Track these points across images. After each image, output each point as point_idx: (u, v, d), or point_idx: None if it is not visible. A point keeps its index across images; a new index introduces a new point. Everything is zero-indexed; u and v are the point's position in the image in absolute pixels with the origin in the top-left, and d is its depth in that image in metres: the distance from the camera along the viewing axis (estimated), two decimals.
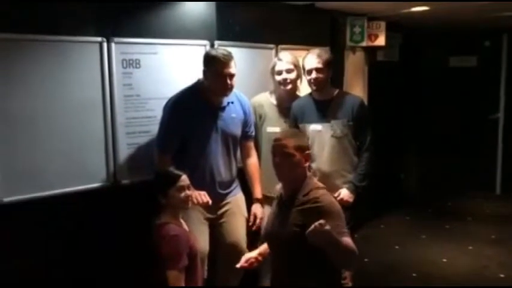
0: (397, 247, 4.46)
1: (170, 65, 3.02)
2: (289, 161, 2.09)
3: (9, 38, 2.40)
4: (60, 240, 2.66)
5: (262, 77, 3.40)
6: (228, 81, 2.73)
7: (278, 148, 2.12)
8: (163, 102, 2.99)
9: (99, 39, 2.73)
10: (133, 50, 2.87)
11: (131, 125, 2.91)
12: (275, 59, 3.20)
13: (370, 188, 3.02)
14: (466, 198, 6.11)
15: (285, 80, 3.10)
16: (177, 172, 2.44)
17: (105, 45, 2.75)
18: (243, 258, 2.33)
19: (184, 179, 2.42)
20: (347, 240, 1.93)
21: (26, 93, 2.48)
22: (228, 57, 2.74)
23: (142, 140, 2.96)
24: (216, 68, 2.71)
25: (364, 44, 4.43)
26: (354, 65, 4.64)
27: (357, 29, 4.36)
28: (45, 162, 2.58)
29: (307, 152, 2.16)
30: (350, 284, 3.32)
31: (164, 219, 2.40)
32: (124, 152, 2.90)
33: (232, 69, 2.74)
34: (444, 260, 4.12)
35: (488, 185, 6.35)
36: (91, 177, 2.78)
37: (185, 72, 3.07)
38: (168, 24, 3.00)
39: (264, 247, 2.34)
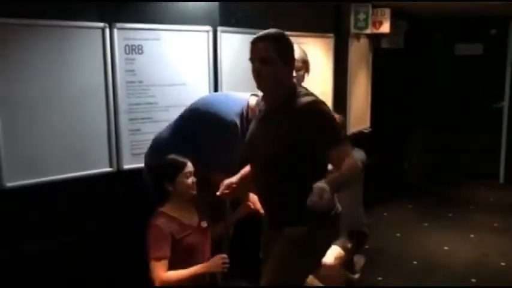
0: (398, 235, 4.47)
1: (173, 51, 3.01)
2: (270, 67, 1.93)
3: (10, 22, 2.40)
4: (62, 226, 2.68)
5: None
6: None
7: (258, 51, 1.95)
8: (166, 89, 3.01)
9: (101, 24, 2.73)
10: (136, 36, 2.86)
11: (134, 111, 2.91)
12: None
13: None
14: (470, 186, 6.11)
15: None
16: (182, 159, 2.44)
17: (107, 30, 2.75)
18: (223, 186, 2.31)
19: (190, 166, 2.43)
20: (346, 163, 1.84)
21: (27, 79, 2.49)
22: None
23: (145, 126, 2.96)
24: None
25: (368, 31, 4.39)
26: (358, 52, 4.61)
27: (361, 16, 4.32)
28: (47, 148, 2.59)
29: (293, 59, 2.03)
30: (357, 275, 3.38)
31: (168, 207, 2.40)
32: (126, 138, 2.91)
33: None
34: (445, 248, 4.13)
35: (491, 174, 6.34)
36: (93, 163, 2.79)
37: (188, 58, 3.07)
38: (170, 10, 2.99)
39: (244, 171, 2.33)
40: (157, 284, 2.26)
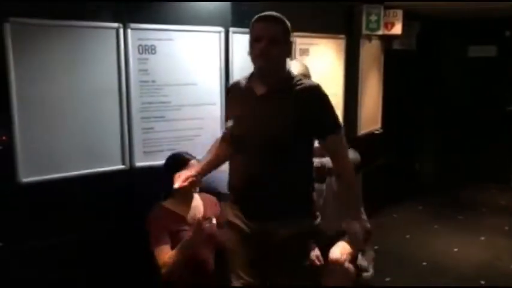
0: (408, 236, 4.48)
1: (185, 52, 3.05)
2: (278, 47, 1.93)
3: (27, 22, 2.46)
4: (75, 222, 2.74)
5: None
6: None
7: (267, 30, 1.93)
8: (178, 88, 3.06)
9: (115, 25, 2.78)
10: (149, 36, 2.91)
11: (146, 110, 2.96)
12: None
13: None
14: (481, 189, 6.08)
15: None
16: (187, 156, 2.50)
17: (121, 31, 2.80)
18: (180, 178, 2.20)
19: (194, 163, 2.46)
20: (362, 226, 2.11)
21: (43, 78, 2.54)
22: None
23: (157, 125, 3.01)
24: None
25: (380, 32, 4.40)
26: (370, 54, 4.63)
27: (373, 17, 4.34)
28: (62, 145, 2.65)
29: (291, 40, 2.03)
30: (371, 271, 3.40)
31: (169, 202, 2.47)
32: (139, 136, 2.96)
33: None
34: (455, 250, 4.13)
35: (503, 177, 6.30)
36: (107, 160, 2.85)
37: (200, 59, 3.12)
38: (183, 11, 3.03)
39: (205, 163, 2.28)
40: (163, 269, 2.29)
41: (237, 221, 2.07)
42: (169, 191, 2.46)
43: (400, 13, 4.47)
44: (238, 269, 2.05)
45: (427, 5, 4.72)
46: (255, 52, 1.95)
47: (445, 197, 5.80)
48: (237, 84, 2.13)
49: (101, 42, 2.75)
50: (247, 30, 3.27)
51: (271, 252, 2.01)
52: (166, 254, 2.32)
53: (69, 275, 2.73)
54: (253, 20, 1.99)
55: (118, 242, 2.87)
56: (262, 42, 1.92)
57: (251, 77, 2.07)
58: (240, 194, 2.07)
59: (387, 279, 3.54)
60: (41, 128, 2.57)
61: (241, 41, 3.27)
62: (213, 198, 2.68)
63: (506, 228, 4.68)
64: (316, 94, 1.96)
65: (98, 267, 2.82)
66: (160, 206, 2.47)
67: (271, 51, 1.92)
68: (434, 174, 6.40)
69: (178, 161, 2.50)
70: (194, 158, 2.52)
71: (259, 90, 2.00)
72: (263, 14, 1.97)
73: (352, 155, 3.28)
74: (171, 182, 2.41)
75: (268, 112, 1.97)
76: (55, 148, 2.63)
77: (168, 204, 2.48)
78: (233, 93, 2.12)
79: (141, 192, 2.94)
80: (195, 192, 2.54)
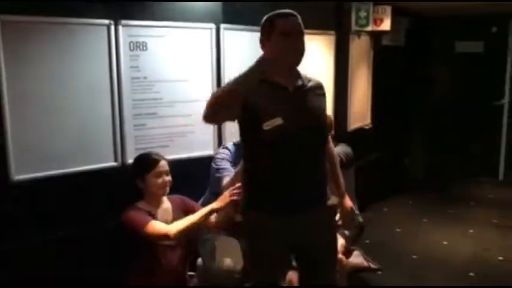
0: (398, 230, 4.52)
1: (177, 48, 3.06)
2: (304, 42, 1.96)
3: (18, 20, 2.45)
4: (67, 219, 2.73)
5: None
6: None
7: (297, 26, 1.95)
8: (170, 85, 3.07)
9: (106, 21, 2.78)
10: (141, 33, 2.92)
11: (138, 106, 2.96)
12: None
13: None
14: (470, 183, 6.16)
15: None
16: (156, 157, 2.46)
17: (112, 27, 2.80)
18: (228, 193, 2.29)
19: (163, 165, 2.43)
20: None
21: (35, 75, 2.54)
22: None
23: (149, 121, 3.02)
24: None
25: (369, 28, 4.44)
26: (359, 50, 4.66)
27: (363, 14, 4.37)
28: (54, 142, 2.64)
29: None
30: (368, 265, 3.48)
31: (143, 204, 2.43)
32: (131, 133, 2.96)
33: None
34: (445, 243, 4.19)
35: (491, 171, 6.39)
36: (98, 157, 2.85)
37: (191, 55, 3.13)
38: (174, 7, 3.04)
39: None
40: (171, 235, 2.24)
41: (268, 223, 1.99)
42: (139, 192, 2.44)
43: (388, 9, 4.51)
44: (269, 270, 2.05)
45: (415, 1, 4.77)
46: (287, 47, 1.90)
47: (435, 191, 5.87)
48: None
49: (92, 39, 2.74)
50: (238, 26, 3.34)
51: (312, 240, 2.04)
52: (160, 225, 2.28)
53: (61, 272, 2.73)
54: (273, 16, 1.96)
55: (110, 240, 2.87)
56: (292, 37, 1.92)
57: (265, 72, 1.94)
58: (280, 191, 1.97)
59: (379, 272, 3.58)
60: (33, 125, 2.56)
61: (232, 38, 3.29)
62: (180, 199, 2.61)
63: (495, 221, 4.75)
64: (323, 89, 2.13)
65: (90, 265, 2.82)
66: (134, 206, 2.42)
67: (301, 46, 1.95)
68: (423, 168, 6.47)
69: (147, 162, 2.45)
70: (163, 158, 2.49)
71: (290, 85, 1.99)
72: (286, 10, 1.97)
73: (345, 149, 3.33)
74: (137, 183, 2.40)
75: (308, 106, 2.01)
76: (46, 145, 2.62)
77: (141, 205, 2.44)
78: (257, 93, 1.89)
79: (132, 189, 2.94)
80: (165, 194, 2.50)
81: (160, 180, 2.40)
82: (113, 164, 2.91)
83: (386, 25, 4.55)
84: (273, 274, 2.04)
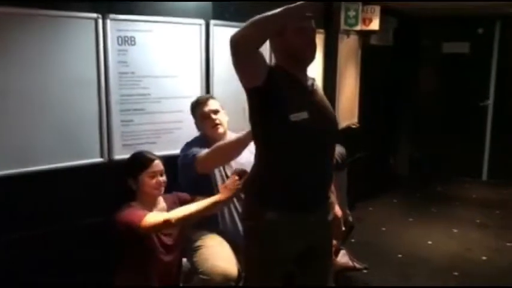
0: (383, 229, 4.56)
1: (165, 43, 3.02)
2: None
3: (1, 11, 2.38)
4: (51, 216, 2.69)
5: None
6: (213, 116, 2.69)
7: (311, 22, 1.93)
8: (158, 80, 3.03)
9: (94, 15, 2.72)
10: (129, 27, 2.87)
11: (126, 102, 2.91)
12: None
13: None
14: (454, 183, 6.23)
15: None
16: (150, 156, 2.38)
17: (100, 21, 2.74)
18: (232, 184, 2.21)
19: (157, 164, 2.35)
20: None
21: (19, 68, 2.47)
22: (205, 98, 2.79)
23: (137, 117, 2.98)
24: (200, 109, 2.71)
25: (358, 27, 4.45)
26: (348, 49, 4.67)
27: (352, 13, 4.38)
28: (38, 137, 2.59)
29: None
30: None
31: (137, 204, 2.34)
32: (118, 129, 2.91)
33: (213, 106, 2.72)
34: (429, 242, 4.23)
35: (475, 171, 6.47)
36: (85, 153, 2.79)
37: (180, 51, 3.09)
38: (164, 2, 3.00)
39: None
40: (173, 220, 2.15)
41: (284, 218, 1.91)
42: (132, 193, 2.36)
43: (377, 9, 4.52)
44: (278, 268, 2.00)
45: (403, 1, 4.80)
46: (305, 42, 1.89)
47: (419, 190, 5.93)
48: (276, 71, 1.88)
49: (79, 33, 2.69)
50: (228, 23, 3.31)
51: (319, 239, 2.02)
52: (159, 214, 2.19)
53: (43, 270, 2.68)
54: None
55: (96, 237, 2.83)
56: (308, 32, 1.91)
57: (280, 67, 1.93)
58: (301, 187, 1.91)
59: (365, 271, 3.60)
60: (16, 119, 2.49)
61: (222, 34, 3.25)
62: (174, 197, 2.55)
63: (478, 221, 4.81)
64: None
65: (75, 262, 2.78)
66: (127, 205, 2.34)
67: (315, 41, 1.94)
68: (408, 167, 6.52)
69: (141, 161, 2.38)
70: (157, 157, 2.42)
71: (304, 81, 1.97)
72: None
73: (340, 149, 3.33)
74: (130, 184, 2.31)
75: (324, 105, 2.00)
76: (31, 141, 2.56)
77: (136, 205, 2.37)
78: (281, 82, 1.85)
79: (119, 186, 2.90)
80: (160, 194, 2.44)
81: (154, 181, 2.32)
82: (99, 159, 2.86)
83: (375, 25, 4.56)
84: (279, 274, 1.99)
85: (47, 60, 2.58)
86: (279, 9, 1.72)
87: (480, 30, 6.35)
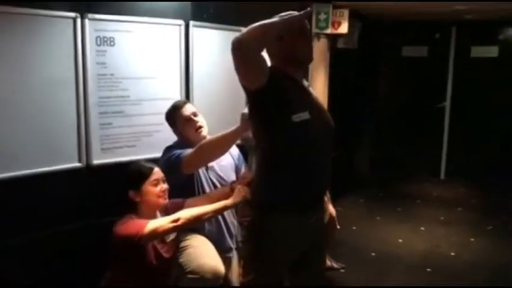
0: (354, 228, 4.64)
1: (145, 44, 2.97)
2: None
3: None
4: (27, 224, 2.57)
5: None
6: (195, 119, 2.61)
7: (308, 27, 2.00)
8: (138, 82, 2.97)
9: (72, 14, 2.64)
10: (108, 28, 2.80)
11: (104, 104, 2.84)
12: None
13: None
14: (414, 182, 6.43)
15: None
16: (149, 165, 2.27)
17: (78, 21, 2.67)
18: (242, 188, 2.17)
19: (158, 172, 2.25)
20: None
21: None
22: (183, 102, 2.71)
23: (116, 120, 2.89)
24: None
25: (328, 31, 4.51)
26: (318, 52, 4.71)
27: (322, 16, 4.44)
28: (13, 141, 2.48)
29: None
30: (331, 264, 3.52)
31: (137, 217, 2.19)
32: (96, 132, 2.83)
33: (192, 109, 2.64)
34: (400, 241, 4.34)
35: (433, 170, 6.71)
36: (62, 158, 2.71)
37: (160, 52, 3.04)
38: (143, 2, 2.94)
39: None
40: (181, 222, 2.06)
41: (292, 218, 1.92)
42: (133, 205, 2.21)
43: (346, 12, 4.61)
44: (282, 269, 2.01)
45: (370, 5, 4.91)
46: (306, 44, 1.95)
47: (383, 189, 6.07)
48: (276, 73, 1.86)
49: (57, 33, 2.60)
50: (207, 24, 3.28)
51: (318, 238, 2.04)
52: (162, 219, 2.10)
53: (21, 278, 2.56)
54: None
55: (74, 244, 2.73)
56: (308, 35, 1.97)
57: (279, 68, 1.90)
58: (307, 188, 1.92)
59: (342, 270, 3.65)
60: None
61: (201, 35, 3.22)
62: (176, 204, 2.40)
63: (442, 218, 4.98)
64: None
65: (53, 270, 2.66)
66: (130, 217, 2.18)
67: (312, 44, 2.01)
68: (370, 167, 6.68)
69: (141, 171, 2.23)
70: (155, 165, 2.32)
71: (301, 82, 1.99)
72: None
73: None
74: (132, 197, 2.19)
75: (320, 104, 2.03)
76: (4, 145, 2.45)
77: (136, 218, 2.19)
78: (282, 83, 1.86)
79: (98, 192, 2.81)
80: (165, 202, 2.30)
81: (158, 189, 2.21)
82: (77, 164, 2.76)
83: (343, 28, 4.65)
84: (280, 274, 2.00)
85: (23, 61, 2.49)
86: (277, 19, 1.76)
87: (437, 35, 6.60)
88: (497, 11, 5.30)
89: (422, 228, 4.67)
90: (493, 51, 6.43)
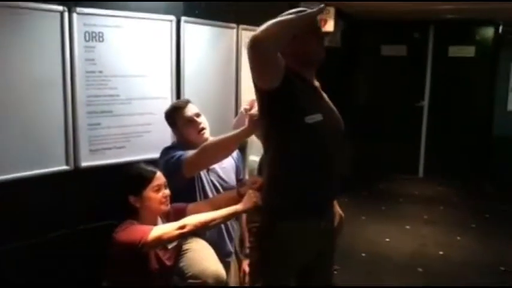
0: None
1: (135, 40, 2.82)
2: None
3: None
4: (14, 229, 2.40)
5: (224, 57, 3.35)
6: (198, 120, 2.49)
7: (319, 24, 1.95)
8: (128, 80, 2.83)
9: (60, 8, 2.48)
10: (97, 22, 2.64)
11: (93, 103, 2.68)
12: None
13: None
14: (394, 180, 6.48)
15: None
16: (150, 169, 2.12)
17: (66, 15, 2.50)
18: (253, 193, 2.03)
19: (160, 177, 2.11)
20: None
21: None
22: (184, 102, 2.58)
23: (104, 120, 2.74)
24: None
25: None
26: None
27: None
28: None
29: None
30: None
31: (138, 223, 2.05)
32: (84, 132, 2.67)
33: (194, 109, 2.52)
34: (387, 240, 4.33)
35: (412, 169, 6.78)
36: (49, 160, 2.53)
37: (150, 49, 2.90)
38: None
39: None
40: (188, 228, 1.94)
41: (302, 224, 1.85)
42: (133, 210, 2.08)
43: (332, 10, 4.58)
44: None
45: (354, 4, 4.89)
46: (319, 43, 1.87)
47: (365, 188, 6.08)
48: (289, 73, 1.78)
49: (43, 27, 2.44)
50: (199, 20, 3.16)
51: (328, 244, 2.00)
52: (168, 225, 1.98)
53: (7, 285, 2.40)
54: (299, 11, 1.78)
55: (62, 251, 2.58)
56: (320, 34, 1.90)
57: (291, 68, 1.80)
58: (321, 194, 1.87)
59: (335, 272, 3.59)
60: None
61: (193, 32, 3.10)
62: (179, 209, 2.27)
63: (425, 216, 5.02)
64: None
65: (41, 277, 2.51)
66: (131, 223, 2.04)
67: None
68: (351, 167, 6.67)
69: (142, 175, 2.09)
70: (157, 169, 2.17)
71: (313, 82, 1.92)
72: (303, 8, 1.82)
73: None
74: (132, 202, 2.05)
75: (331, 105, 1.96)
76: None
77: (137, 224, 2.05)
78: (295, 83, 1.79)
79: (86, 196, 2.67)
80: (167, 209, 2.17)
81: (160, 195, 2.07)
82: (64, 167, 2.60)
83: (330, 26, 4.62)
84: (289, 281, 1.94)
85: (6, 57, 2.32)
86: (293, 16, 1.70)
87: (416, 35, 6.66)
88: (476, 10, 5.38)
89: (407, 227, 4.68)
90: (470, 51, 6.52)
